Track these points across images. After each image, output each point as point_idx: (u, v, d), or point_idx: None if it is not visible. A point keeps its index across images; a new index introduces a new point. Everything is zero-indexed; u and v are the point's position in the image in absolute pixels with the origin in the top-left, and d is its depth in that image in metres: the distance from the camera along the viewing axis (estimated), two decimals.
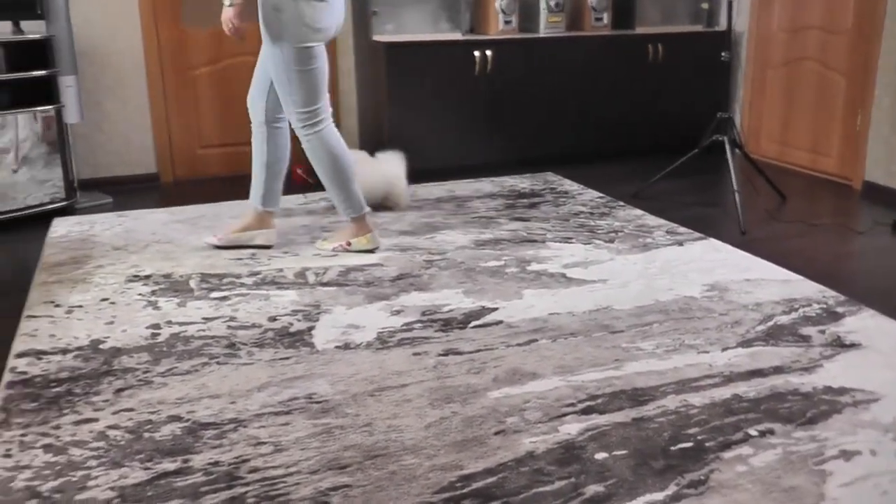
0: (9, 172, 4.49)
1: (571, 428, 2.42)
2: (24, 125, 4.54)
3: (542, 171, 5.49)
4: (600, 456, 2.29)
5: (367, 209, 3.96)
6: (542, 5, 5.60)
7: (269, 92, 3.85)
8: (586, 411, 2.51)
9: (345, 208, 3.91)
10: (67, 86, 4.76)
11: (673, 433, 2.39)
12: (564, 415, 2.49)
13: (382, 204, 4.60)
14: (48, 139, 4.64)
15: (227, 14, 3.61)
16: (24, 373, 2.85)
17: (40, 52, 4.61)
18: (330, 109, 3.84)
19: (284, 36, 3.58)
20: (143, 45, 5.25)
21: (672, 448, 2.32)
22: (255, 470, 2.25)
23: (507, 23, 5.56)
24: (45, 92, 4.66)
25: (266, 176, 3.99)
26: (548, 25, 5.66)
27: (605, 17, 5.80)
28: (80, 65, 4.93)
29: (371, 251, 3.96)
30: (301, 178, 4.99)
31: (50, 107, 4.64)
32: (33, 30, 4.69)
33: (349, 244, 3.96)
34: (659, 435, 2.38)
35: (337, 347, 2.97)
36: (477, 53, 5.37)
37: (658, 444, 2.34)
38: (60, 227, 4.46)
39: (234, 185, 4.63)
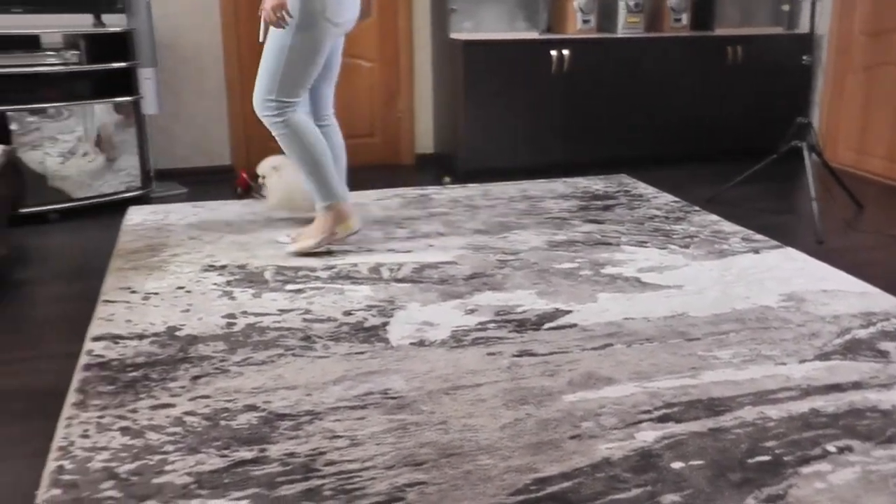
0: (87, 161, 4.58)
1: (647, 435, 2.37)
2: (102, 115, 4.62)
3: (615, 173, 5.43)
4: (677, 465, 2.23)
5: (345, 197, 3.86)
6: (621, 5, 5.54)
7: (319, 92, 3.87)
8: (662, 419, 2.46)
9: (322, 195, 3.80)
10: (146, 78, 4.83)
11: (750, 446, 2.32)
12: (640, 422, 2.44)
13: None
14: (126, 129, 4.71)
15: (272, 2, 3.44)
16: (101, 356, 2.89)
17: (121, 45, 4.68)
18: (331, 113, 3.90)
19: (304, 26, 3.52)
20: (222, 38, 5.30)
21: (749, 461, 2.25)
22: (330, 463, 2.24)
23: (585, 22, 5.50)
24: (125, 83, 4.74)
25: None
26: (626, 25, 5.59)
27: (684, 18, 5.71)
28: (159, 57, 4.99)
29: (354, 233, 3.90)
30: (245, 183, 4.83)
31: (129, 98, 4.72)
32: (114, 23, 4.77)
33: (334, 234, 3.86)
34: (736, 447, 2.32)
35: (412, 344, 2.96)
36: (554, 53, 5.32)
37: (735, 456, 2.28)
38: (136, 216, 4.53)
39: None
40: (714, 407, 2.52)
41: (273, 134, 3.73)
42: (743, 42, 5.72)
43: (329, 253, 3.89)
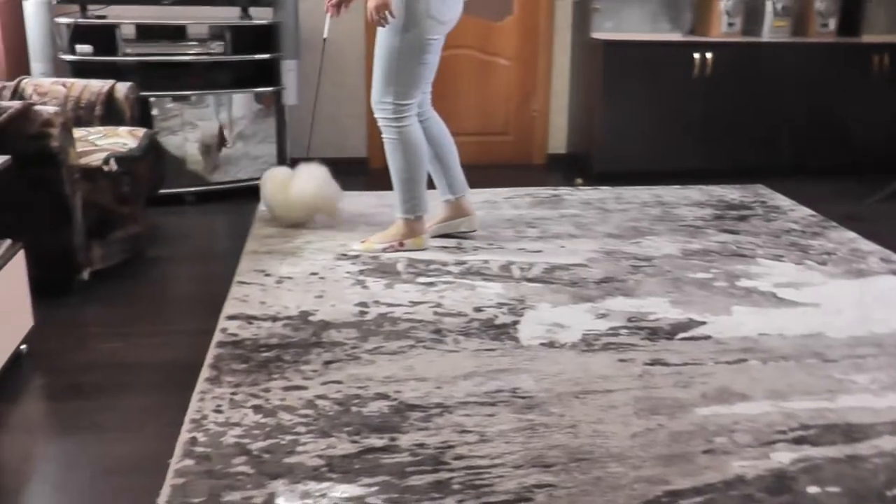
0: (226, 146, 4.69)
1: (783, 456, 2.29)
2: (244, 104, 4.73)
3: (752, 183, 5.27)
4: (812, 490, 2.15)
5: (427, 211, 3.86)
6: (769, 8, 5.37)
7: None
8: (798, 441, 2.37)
9: (406, 208, 3.80)
10: (289, 69, 4.92)
11: (889, 477, 2.21)
12: (775, 441, 2.36)
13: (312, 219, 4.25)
14: (265, 119, 4.81)
15: (377, 1, 3.41)
16: (235, 335, 2.95)
17: (266, 37, 4.78)
18: (429, 104, 3.83)
19: (409, 26, 3.51)
20: (364, 34, 5.36)
21: (888, 493, 2.15)
22: (460, 457, 2.24)
23: (730, 25, 5.35)
24: (267, 74, 4.84)
25: (440, 167, 3.95)
26: (772, 30, 5.41)
27: (831, 23, 5.49)
28: (301, 50, 5.08)
29: (423, 250, 3.85)
30: None
31: (270, 89, 4.82)
32: (260, 16, 4.87)
33: (402, 244, 3.84)
34: (874, 477, 2.21)
35: (542, 344, 2.92)
36: (697, 56, 5.20)
37: (874, 486, 2.18)
38: None
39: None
40: (851, 433, 2.42)
41: (383, 136, 3.76)
42: (891, 50, 5.46)
43: (460, 248, 3.90)
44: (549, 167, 5.72)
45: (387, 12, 3.44)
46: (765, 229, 4.31)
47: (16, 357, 2.74)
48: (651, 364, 2.80)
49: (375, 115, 3.75)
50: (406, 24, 3.51)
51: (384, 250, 3.82)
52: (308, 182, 4.15)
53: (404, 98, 3.64)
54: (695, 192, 5.01)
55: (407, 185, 3.76)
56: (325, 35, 3.91)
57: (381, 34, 3.58)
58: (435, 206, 4.01)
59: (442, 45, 3.78)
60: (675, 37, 5.31)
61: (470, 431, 2.36)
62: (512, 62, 5.59)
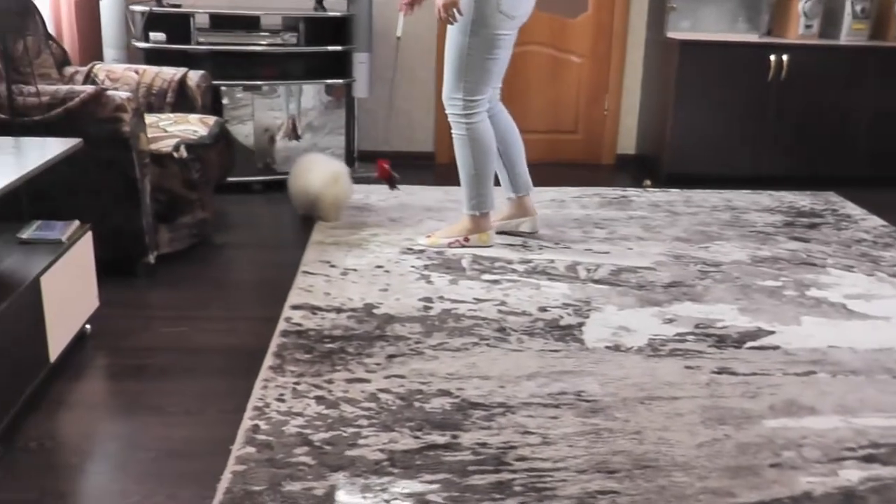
0: (298, 139, 4.71)
1: (852, 474, 2.22)
2: (314, 95, 4.74)
3: (823, 191, 5.14)
4: None
5: (493, 207, 3.86)
6: (847, 10, 5.23)
7: None
8: (868, 459, 2.29)
9: (472, 204, 3.80)
10: (360, 62, 4.92)
11: None
12: (844, 458, 2.29)
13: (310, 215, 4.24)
14: (335, 110, 4.82)
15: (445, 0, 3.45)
16: (299, 325, 2.96)
17: (339, 29, 4.79)
18: (498, 99, 3.81)
19: (480, 22, 3.51)
20: (437, 28, 5.35)
21: None
22: (522, 458, 2.20)
23: (807, 27, 5.23)
24: (339, 66, 4.84)
25: (505, 163, 3.93)
26: (850, 32, 5.27)
27: None
28: (374, 43, 5.08)
29: (487, 247, 3.84)
30: (387, 173, 4.51)
31: (341, 80, 4.82)
32: (335, 7, 4.88)
33: (467, 240, 3.83)
34: None
35: (607, 347, 2.88)
36: (773, 58, 5.09)
37: None
38: None
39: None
40: None
41: (452, 132, 3.76)
42: None
43: (526, 247, 3.86)
44: (617, 168, 5.66)
45: (455, 10, 3.46)
46: (835, 238, 4.21)
47: (80, 336, 2.77)
48: (718, 372, 2.73)
49: (446, 111, 3.76)
50: (476, 19, 3.51)
51: (449, 245, 3.83)
52: (318, 176, 4.14)
53: (474, 94, 3.65)
54: (765, 198, 4.91)
55: (474, 181, 3.76)
56: (398, 34, 3.91)
57: (451, 30, 3.58)
58: (499, 203, 3.98)
59: (514, 41, 3.75)
60: (752, 38, 5.20)
61: (533, 433, 2.33)
62: (584, 60, 5.54)
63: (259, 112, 4.60)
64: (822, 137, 5.28)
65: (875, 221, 4.51)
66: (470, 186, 3.78)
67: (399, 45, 4.48)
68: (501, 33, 3.58)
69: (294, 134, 4.69)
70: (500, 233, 3.99)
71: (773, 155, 5.28)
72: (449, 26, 3.56)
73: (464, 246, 3.82)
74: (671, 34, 5.14)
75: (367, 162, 5.24)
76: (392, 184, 4.51)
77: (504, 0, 3.50)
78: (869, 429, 2.44)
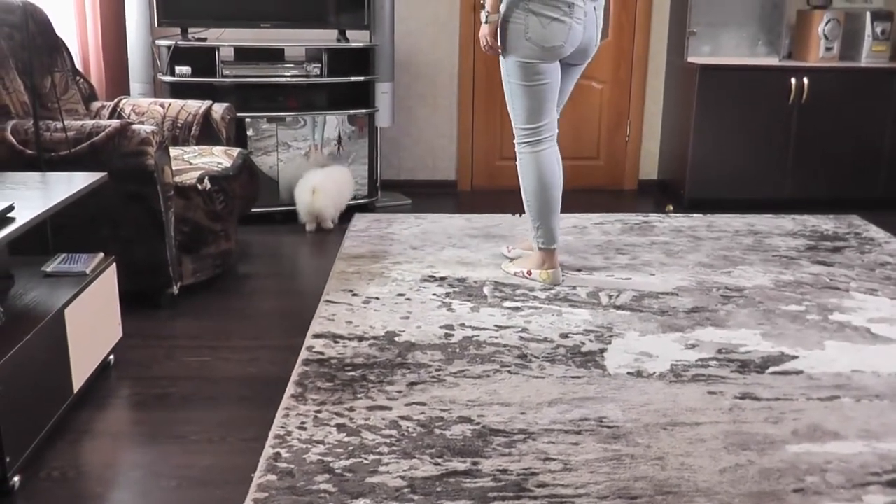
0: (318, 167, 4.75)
1: (876, 499, 2.19)
2: (338, 125, 4.78)
3: (846, 214, 5.11)
4: None
5: (558, 244, 3.79)
6: (867, 32, 5.22)
7: None
8: (892, 484, 2.26)
9: (536, 236, 3.76)
10: (383, 92, 4.97)
11: None
12: (868, 483, 2.26)
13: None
14: (358, 140, 4.86)
15: (484, 31, 3.57)
16: (321, 353, 2.97)
17: (362, 60, 4.84)
18: (556, 130, 3.72)
19: (509, 48, 3.55)
20: (458, 58, 5.40)
21: None
22: (543, 485, 2.19)
23: (828, 49, 5.22)
24: (362, 96, 4.90)
25: None
26: (870, 54, 5.26)
27: None
28: (396, 73, 5.12)
29: (549, 287, 3.73)
30: None
31: (364, 111, 4.87)
32: (357, 38, 4.94)
33: (529, 273, 3.80)
34: None
35: (629, 374, 2.86)
36: (793, 81, 5.08)
37: None
38: (360, 222, 4.66)
39: None
40: None
41: (517, 162, 3.75)
42: None
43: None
44: (640, 193, 5.65)
45: (487, 41, 3.58)
46: (859, 262, 4.17)
47: (104, 367, 2.80)
48: (741, 398, 2.71)
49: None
50: (507, 48, 3.56)
51: (514, 273, 3.85)
52: (318, 181, 4.52)
53: (524, 122, 3.66)
54: (788, 222, 4.88)
55: (536, 213, 3.72)
56: None
57: (501, 62, 3.65)
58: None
59: (574, 74, 3.81)
60: (772, 61, 5.20)
61: (554, 459, 2.32)
62: (605, 85, 5.56)
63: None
64: (845, 160, 5.26)
65: None
66: (534, 218, 3.74)
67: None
68: (533, 62, 3.53)
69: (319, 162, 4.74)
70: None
71: (796, 178, 5.26)
72: (503, 59, 3.64)
73: (526, 278, 3.82)
74: (692, 59, 5.15)
75: (389, 191, 5.29)
76: None
77: (532, 29, 3.47)
78: (894, 453, 2.41)
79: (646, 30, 5.49)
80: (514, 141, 3.72)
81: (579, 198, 5.17)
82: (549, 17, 3.46)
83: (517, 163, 3.73)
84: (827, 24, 5.22)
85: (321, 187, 4.51)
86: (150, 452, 2.39)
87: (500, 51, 3.59)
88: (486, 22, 3.55)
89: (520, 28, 3.49)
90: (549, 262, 3.78)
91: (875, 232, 4.72)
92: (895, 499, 2.20)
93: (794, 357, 3.04)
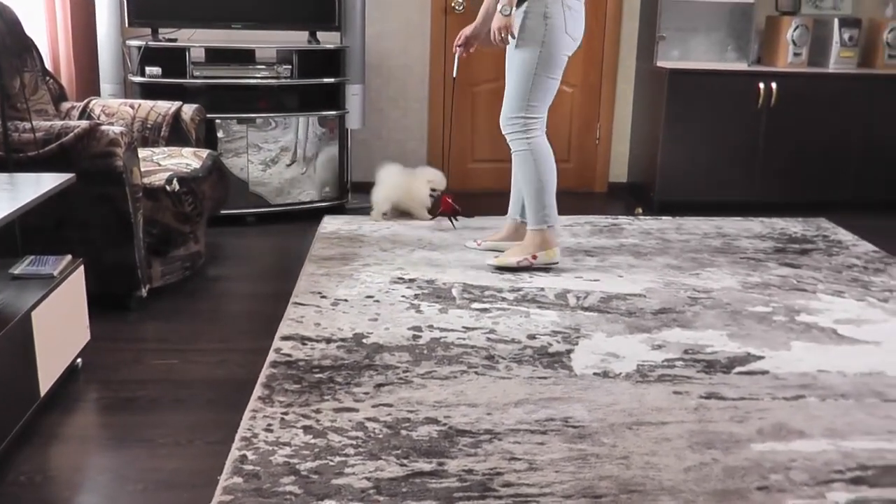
0: (288, 169, 4.75)
1: (839, 496, 2.22)
2: (308, 127, 4.78)
3: (814, 217, 5.17)
4: None
5: (557, 223, 3.99)
6: (835, 38, 5.29)
7: None
8: (855, 481, 2.30)
9: (537, 219, 3.91)
10: (353, 94, 4.97)
11: None
12: (832, 481, 2.29)
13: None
14: (329, 142, 4.86)
15: (502, 23, 3.66)
16: (289, 355, 2.97)
17: (333, 62, 4.85)
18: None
19: (546, 43, 3.70)
20: (429, 59, 5.41)
21: None
22: (508, 484, 2.21)
23: (796, 55, 5.29)
24: (332, 98, 4.90)
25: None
26: (838, 60, 5.33)
27: None
28: (367, 75, 5.13)
29: (553, 264, 3.99)
30: (449, 206, 4.67)
31: (335, 112, 4.88)
32: (328, 40, 4.94)
33: (535, 258, 3.93)
34: None
35: (595, 374, 2.89)
36: (762, 86, 5.14)
37: None
38: (330, 224, 4.66)
39: (502, 200, 4.65)
40: None
41: (512, 151, 3.91)
42: None
43: (516, 275, 3.88)
44: (609, 196, 5.70)
45: (507, 33, 3.67)
46: (826, 264, 4.22)
47: (72, 370, 2.79)
48: (707, 397, 2.74)
49: (505, 132, 3.90)
50: (545, 41, 3.70)
51: (518, 264, 3.93)
52: (384, 174, 4.79)
53: (535, 112, 3.83)
54: (756, 225, 4.93)
55: (539, 195, 3.88)
56: (454, 74, 4.32)
57: (517, 52, 3.78)
58: (497, 223, 4.12)
59: None
60: (741, 66, 5.26)
61: (519, 459, 2.33)
62: (575, 89, 5.59)
63: (256, 145, 4.67)
64: (813, 164, 5.32)
65: (866, 247, 4.53)
66: (534, 201, 3.90)
67: (454, 85, 4.71)
68: (565, 55, 3.80)
69: (291, 164, 4.73)
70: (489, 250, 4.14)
71: (764, 182, 5.31)
72: (515, 50, 3.77)
73: (532, 265, 3.94)
74: (661, 63, 5.19)
75: (360, 193, 5.29)
76: (454, 217, 4.68)
77: (570, 23, 3.72)
78: (857, 451, 2.45)
79: (615, 34, 5.53)
80: (512, 130, 3.86)
81: None
82: (577, 10, 3.75)
83: (525, 152, 3.85)
84: (795, 30, 5.28)
85: (381, 180, 4.78)
86: (117, 456, 2.38)
87: (504, 45, 3.74)
88: (507, 15, 3.64)
89: (559, 23, 3.69)
90: (551, 239, 3.97)
91: (843, 235, 4.77)
92: (858, 496, 2.23)
93: (761, 357, 3.07)
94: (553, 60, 3.75)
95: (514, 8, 3.64)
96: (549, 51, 3.72)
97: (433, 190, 4.69)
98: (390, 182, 4.77)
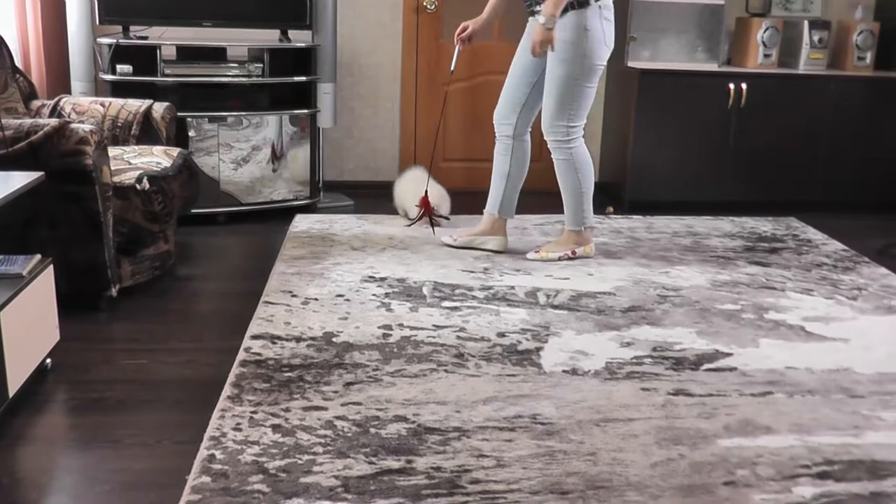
0: (259, 168, 4.74)
1: (805, 491, 2.25)
2: (279, 126, 4.78)
3: (785, 216, 5.22)
4: None
5: (594, 222, 4.20)
6: (805, 40, 5.35)
7: (523, 108, 4.12)
8: (821, 476, 2.33)
9: (577, 220, 4.13)
10: (325, 93, 4.97)
11: None
12: (798, 476, 2.33)
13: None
14: (300, 140, 4.86)
15: (545, 36, 3.79)
16: (259, 354, 2.97)
17: (304, 60, 4.84)
18: (529, 128, 4.18)
19: (587, 54, 3.84)
20: (401, 58, 5.42)
21: None
22: (476, 481, 2.23)
23: (766, 56, 5.33)
24: (304, 96, 4.90)
25: (506, 186, 4.21)
26: (808, 62, 5.38)
27: (869, 57, 5.45)
28: (338, 73, 5.13)
29: (589, 258, 4.19)
30: (430, 208, 4.63)
31: (306, 111, 4.87)
32: (299, 39, 4.94)
33: (574, 253, 4.14)
34: None
35: (564, 371, 2.91)
36: (732, 86, 5.18)
37: None
38: (302, 223, 4.66)
39: (473, 200, 4.68)
40: (877, 470, 2.38)
41: (553, 157, 4.07)
42: None
43: (487, 273, 3.90)
44: None
45: (549, 46, 3.81)
46: (796, 262, 4.27)
47: (41, 370, 2.77)
48: (674, 394, 2.77)
49: (548, 138, 4.05)
50: (585, 52, 3.84)
51: (559, 258, 4.13)
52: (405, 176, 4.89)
53: (577, 120, 3.99)
54: (726, 224, 4.97)
55: (579, 199, 4.09)
56: (452, 68, 4.31)
57: (559, 63, 3.88)
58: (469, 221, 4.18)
59: None
60: (712, 67, 5.30)
61: (487, 456, 2.35)
62: None
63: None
64: (783, 164, 5.37)
65: (835, 246, 4.58)
66: (574, 205, 4.11)
67: (450, 78, 4.75)
68: (603, 64, 3.94)
69: (264, 162, 4.73)
70: (460, 248, 4.22)
71: (735, 181, 5.35)
72: (555, 59, 3.86)
73: (571, 258, 4.14)
74: (632, 63, 5.23)
75: (331, 191, 5.29)
76: (433, 220, 4.63)
77: (607, 33, 3.88)
78: (823, 446, 2.48)
79: None
80: (557, 139, 4.01)
81: (521, 200, 5.18)
82: (611, 20, 3.91)
83: (567, 160, 4.03)
84: (765, 31, 5.33)
85: (400, 181, 4.89)
86: (85, 457, 2.38)
87: (542, 55, 3.86)
88: (550, 29, 3.75)
89: (600, 35, 3.85)
90: (589, 237, 4.22)
91: (813, 234, 4.82)
92: (824, 490, 2.26)
93: (729, 354, 3.11)
94: (593, 70, 3.89)
95: (556, 21, 3.75)
96: (590, 62, 3.86)
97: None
98: (401, 187, 4.83)
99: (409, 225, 4.67)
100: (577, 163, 4.02)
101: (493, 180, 4.25)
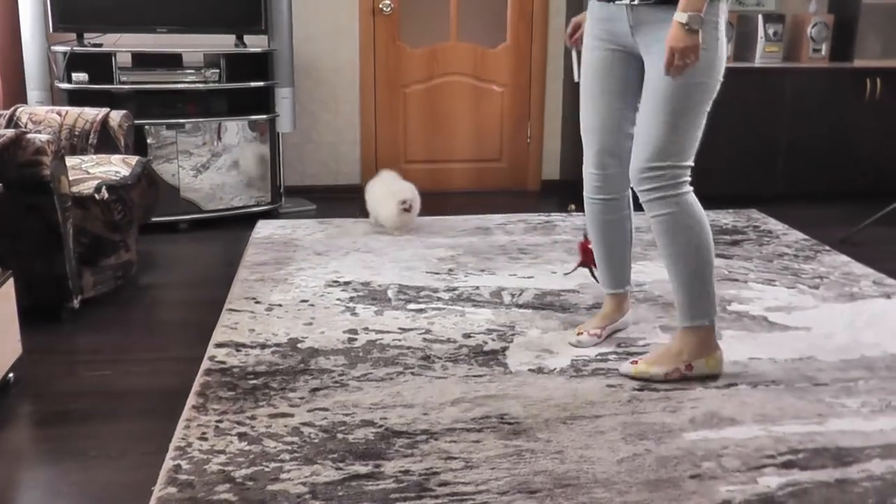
0: (220, 174, 4.72)
1: (771, 481, 2.28)
2: (238, 132, 4.75)
3: (745, 208, 5.27)
4: None
5: (715, 315, 2.89)
6: (760, 33, 5.41)
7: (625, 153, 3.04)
8: (787, 465, 2.36)
9: (697, 312, 2.85)
10: (283, 97, 4.95)
11: (878, 501, 2.20)
12: (764, 466, 2.35)
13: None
14: (260, 146, 4.84)
15: (691, 42, 2.57)
16: (223, 362, 2.95)
17: (260, 65, 4.82)
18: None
19: (717, 67, 2.76)
20: (359, 61, 5.41)
21: None
22: (444, 483, 2.23)
23: None
24: (262, 102, 4.88)
25: (621, 252, 3.26)
26: (764, 55, 5.45)
27: (824, 49, 5.52)
28: (296, 78, 5.11)
29: (715, 377, 2.90)
30: (590, 256, 3.37)
31: (265, 116, 4.85)
32: (255, 44, 4.91)
33: (690, 368, 2.86)
34: (863, 501, 2.20)
35: (530, 370, 2.92)
36: None
37: None
38: (264, 229, 4.64)
39: (435, 201, 4.68)
40: (841, 457, 2.41)
41: (651, 215, 2.87)
42: (883, 75, 5.48)
43: (451, 274, 3.89)
44: (542, 193, 5.74)
45: (696, 57, 2.61)
46: (757, 253, 4.31)
47: (4, 385, 2.74)
48: (640, 389, 2.79)
49: (641, 189, 2.86)
50: (718, 67, 2.76)
51: (666, 377, 2.85)
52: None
53: (686, 158, 2.88)
54: None
55: (696, 277, 2.83)
56: (576, 79, 3.28)
57: (670, 81, 2.70)
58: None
59: None
60: None
61: (455, 458, 2.35)
62: (506, 88, 5.63)
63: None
64: (742, 156, 5.42)
65: (797, 235, 4.63)
66: (692, 284, 2.83)
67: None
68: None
69: (221, 169, 4.70)
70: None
71: (695, 175, 5.36)
72: (663, 78, 2.70)
73: (685, 377, 2.86)
74: None
75: (293, 197, 5.27)
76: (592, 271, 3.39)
77: (723, 49, 2.77)
78: (788, 436, 2.51)
79: (543, 33, 5.57)
80: (653, 186, 2.83)
81: (482, 200, 5.23)
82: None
83: (672, 215, 2.82)
84: None
85: (372, 185, 4.74)
86: (49, 471, 2.35)
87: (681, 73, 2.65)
88: (697, 30, 2.57)
89: (724, 40, 2.76)
90: (713, 341, 2.91)
91: (773, 224, 4.87)
92: (789, 479, 2.29)
93: None
94: (713, 92, 2.82)
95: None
96: (718, 75, 2.78)
97: (403, 202, 4.51)
98: (370, 191, 4.72)
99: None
100: (690, 218, 2.81)
101: (607, 245, 3.24)
